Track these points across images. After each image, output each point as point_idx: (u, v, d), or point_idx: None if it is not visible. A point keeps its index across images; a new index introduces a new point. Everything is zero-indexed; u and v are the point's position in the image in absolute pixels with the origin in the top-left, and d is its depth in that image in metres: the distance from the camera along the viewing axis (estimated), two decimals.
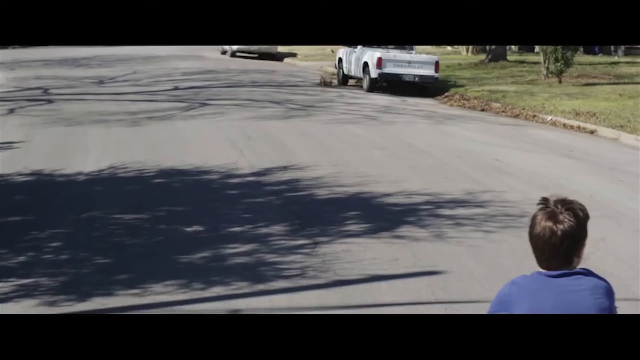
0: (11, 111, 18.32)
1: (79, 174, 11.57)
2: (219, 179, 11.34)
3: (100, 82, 24.47)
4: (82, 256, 7.90)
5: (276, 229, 8.92)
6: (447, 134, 16.39)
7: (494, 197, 10.73)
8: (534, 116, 20.09)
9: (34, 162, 12.32)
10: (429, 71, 24.41)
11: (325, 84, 25.79)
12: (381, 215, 9.56)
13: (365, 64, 24.61)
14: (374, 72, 24.20)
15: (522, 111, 20.69)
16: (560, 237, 3.18)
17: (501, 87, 24.48)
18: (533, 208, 3.36)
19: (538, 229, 3.21)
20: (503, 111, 21.10)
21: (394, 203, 10.10)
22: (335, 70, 27.71)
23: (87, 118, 17.14)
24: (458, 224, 9.25)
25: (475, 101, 22.58)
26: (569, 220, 3.19)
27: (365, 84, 24.77)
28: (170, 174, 11.57)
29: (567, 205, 3.22)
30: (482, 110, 21.48)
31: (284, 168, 12.03)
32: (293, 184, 11.01)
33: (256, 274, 7.47)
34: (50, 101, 20.27)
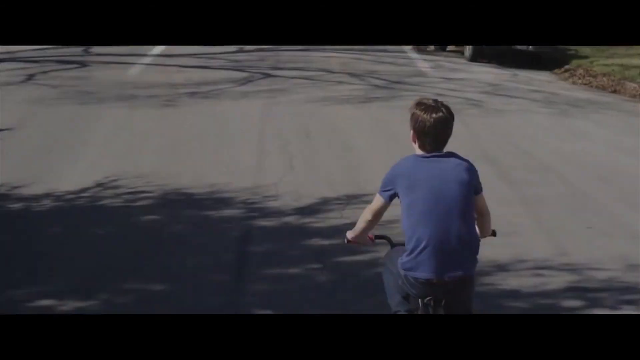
0: (29, 78, 14.90)
1: (47, 195, 7.97)
2: (242, 216, 7.54)
3: None
4: None
5: None
6: (577, 133, 12.17)
7: None
8: None
9: (1, 168, 8.79)
10: None
11: (419, 48, 21.66)
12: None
13: None
14: None
15: None
16: (451, 122, 4.17)
17: (635, 61, 19.88)
18: None
19: (432, 119, 4.09)
20: None
21: (512, 291, 6.13)
22: None
23: (113, 92, 13.57)
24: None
25: (604, 79, 18.13)
26: (451, 111, 4.19)
27: (468, 51, 20.49)
28: (175, 204, 7.85)
29: (439, 100, 4.23)
30: (614, 91, 17.08)
31: (347, 199, 8.12)
32: None
33: None
34: (83, 64, 16.78)
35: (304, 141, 10.57)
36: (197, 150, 9.96)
